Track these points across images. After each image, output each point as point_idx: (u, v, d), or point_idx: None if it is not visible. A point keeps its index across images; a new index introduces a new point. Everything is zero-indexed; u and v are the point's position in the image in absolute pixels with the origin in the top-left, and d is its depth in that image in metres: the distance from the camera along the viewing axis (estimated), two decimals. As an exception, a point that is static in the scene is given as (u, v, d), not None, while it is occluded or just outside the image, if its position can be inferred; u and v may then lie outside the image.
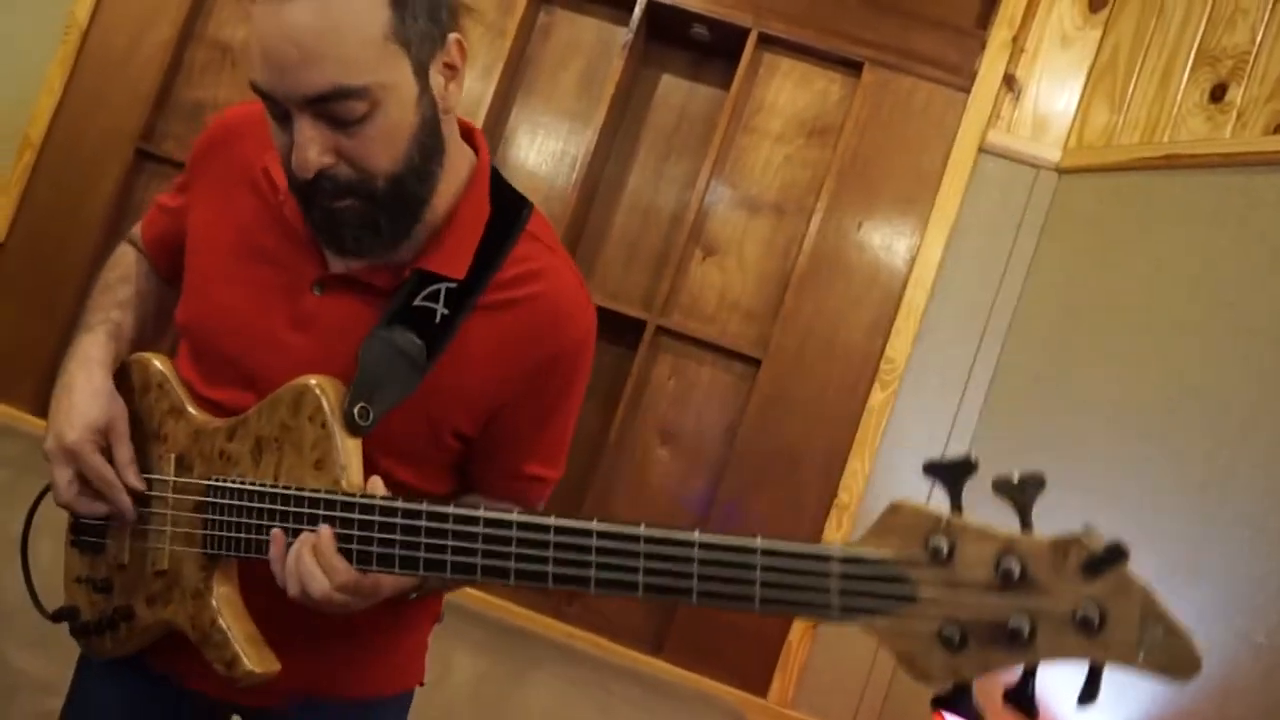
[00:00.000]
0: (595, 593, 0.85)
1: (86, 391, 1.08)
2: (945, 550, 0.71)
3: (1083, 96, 2.19)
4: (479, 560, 0.89)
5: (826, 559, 0.74)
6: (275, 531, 0.98)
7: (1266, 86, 1.83)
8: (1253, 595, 1.58)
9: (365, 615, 1.09)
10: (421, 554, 0.93)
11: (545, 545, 0.86)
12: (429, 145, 0.99)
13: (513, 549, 0.88)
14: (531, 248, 1.08)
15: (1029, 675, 0.70)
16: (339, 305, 1.04)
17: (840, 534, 2.17)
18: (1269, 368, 1.67)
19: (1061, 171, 2.16)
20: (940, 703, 0.73)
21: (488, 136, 2.35)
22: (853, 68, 2.31)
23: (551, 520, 0.87)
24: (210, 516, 1.05)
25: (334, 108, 0.91)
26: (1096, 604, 0.66)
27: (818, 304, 2.24)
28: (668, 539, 0.81)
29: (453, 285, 1.03)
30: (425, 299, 1.02)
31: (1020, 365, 2.12)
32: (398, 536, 0.94)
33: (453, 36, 0.98)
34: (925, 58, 2.26)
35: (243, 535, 1.03)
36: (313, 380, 1.02)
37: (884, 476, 2.18)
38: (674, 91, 2.49)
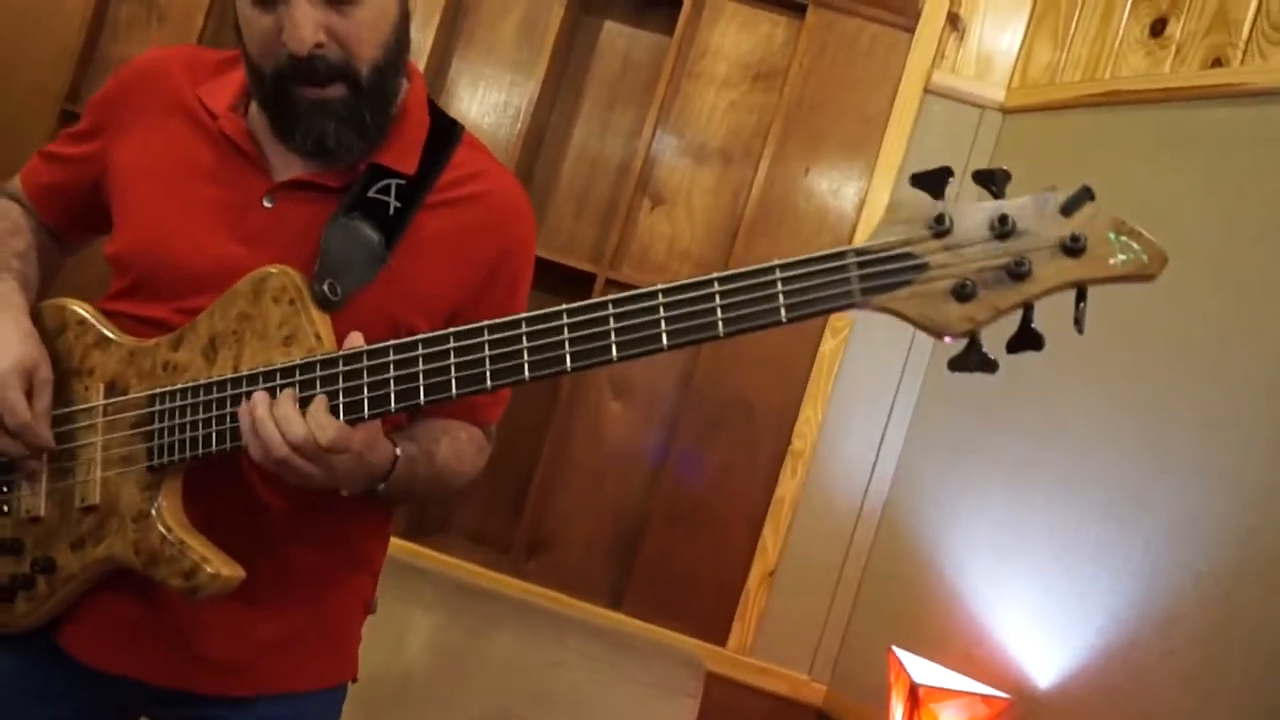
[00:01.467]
0: (618, 358, 0.86)
1: (15, 334, 1.05)
2: (946, 223, 0.80)
3: (1026, 35, 2.18)
4: (487, 367, 0.90)
5: (842, 255, 0.81)
6: (257, 395, 0.94)
7: (1205, 20, 1.83)
8: (1196, 527, 1.60)
9: (294, 598, 1.08)
10: (420, 382, 0.92)
11: (559, 330, 0.88)
12: (403, 42, 1.06)
13: (524, 344, 0.89)
14: (471, 154, 1.15)
15: (1028, 310, 0.80)
16: (291, 211, 1.05)
17: (795, 481, 2.17)
18: (1209, 300, 1.68)
19: (1006, 111, 2.15)
20: (959, 366, 0.81)
21: (428, 88, 2.30)
22: (797, 10, 2.28)
23: (563, 307, 0.88)
24: (156, 426, 1.02)
25: None
26: (1077, 232, 0.78)
27: (767, 251, 2.22)
28: (686, 285, 0.84)
29: (402, 181, 1.07)
30: (378, 192, 1.06)
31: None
32: (391, 374, 0.93)
33: None
34: (869, -1, 2.23)
35: (197, 433, 1.00)
36: (272, 268, 1.01)
37: (837, 422, 2.18)
38: (617, 39, 2.44)
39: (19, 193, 1.21)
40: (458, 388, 0.91)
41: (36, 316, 1.11)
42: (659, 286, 0.85)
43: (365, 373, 0.94)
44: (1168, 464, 1.67)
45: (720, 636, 2.19)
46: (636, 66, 2.42)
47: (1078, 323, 0.79)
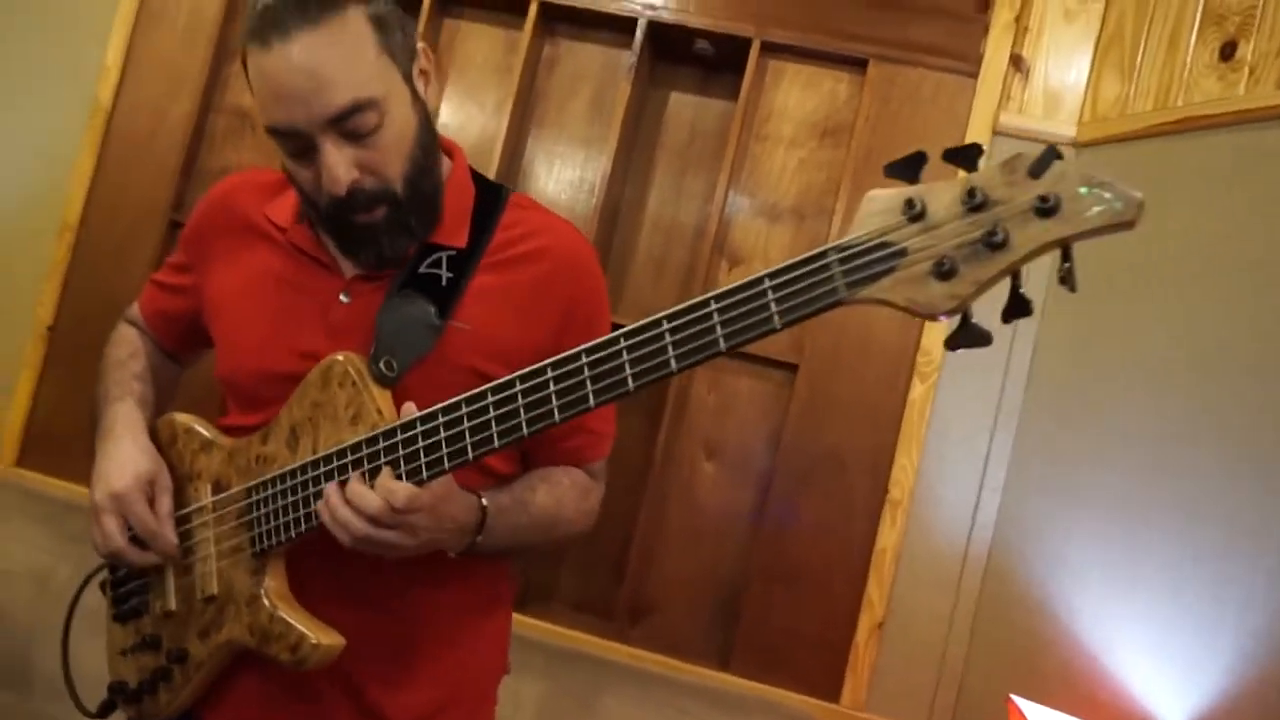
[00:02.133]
0: (633, 387, 0.90)
1: (134, 449, 1.17)
2: (919, 208, 0.80)
3: (1092, 69, 2.18)
4: (554, 404, 0.94)
5: (824, 255, 0.83)
6: (329, 486, 1.01)
7: (1276, 40, 1.81)
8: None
9: (428, 667, 1.13)
10: (493, 429, 0.96)
11: (579, 371, 0.93)
12: (428, 144, 1.12)
13: (550, 389, 0.94)
14: (520, 213, 1.20)
15: (1015, 278, 0.80)
16: (365, 302, 1.13)
17: (896, 531, 2.16)
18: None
19: (1078, 146, 2.15)
20: (954, 344, 0.81)
21: (505, 172, 2.41)
22: (858, 65, 2.32)
23: (583, 348, 0.93)
24: (255, 515, 1.10)
25: (352, 122, 1.03)
26: (1048, 192, 0.76)
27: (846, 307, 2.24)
28: (686, 309, 0.88)
29: (453, 253, 1.14)
30: (430, 266, 1.13)
31: (1057, 342, 2.11)
32: (461, 427, 0.98)
33: (420, 45, 1.13)
34: (929, 47, 2.26)
35: (289, 516, 1.07)
36: (337, 355, 1.09)
37: (933, 468, 2.17)
38: (684, 108, 2.51)
39: (138, 318, 1.36)
40: (499, 439, 0.96)
41: (153, 432, 1.24)
42: (662, 314, 0.89)
43: (420, 437, 1.00)
44: (1272, 484, 1.62)
45: (832, 693, 2.17)
46: (704, 133, 2.48)
47: (1063, 280, 0.79)
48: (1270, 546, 1.62)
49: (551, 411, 0.94)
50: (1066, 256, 0.79)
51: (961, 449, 2.17)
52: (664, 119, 2.52)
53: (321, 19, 1.00)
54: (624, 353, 0.90)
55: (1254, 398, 1.70)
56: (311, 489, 1.05)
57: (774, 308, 0.84)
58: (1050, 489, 2.03)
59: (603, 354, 0.92)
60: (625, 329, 0.91)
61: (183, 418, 1.23)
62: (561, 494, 1.20)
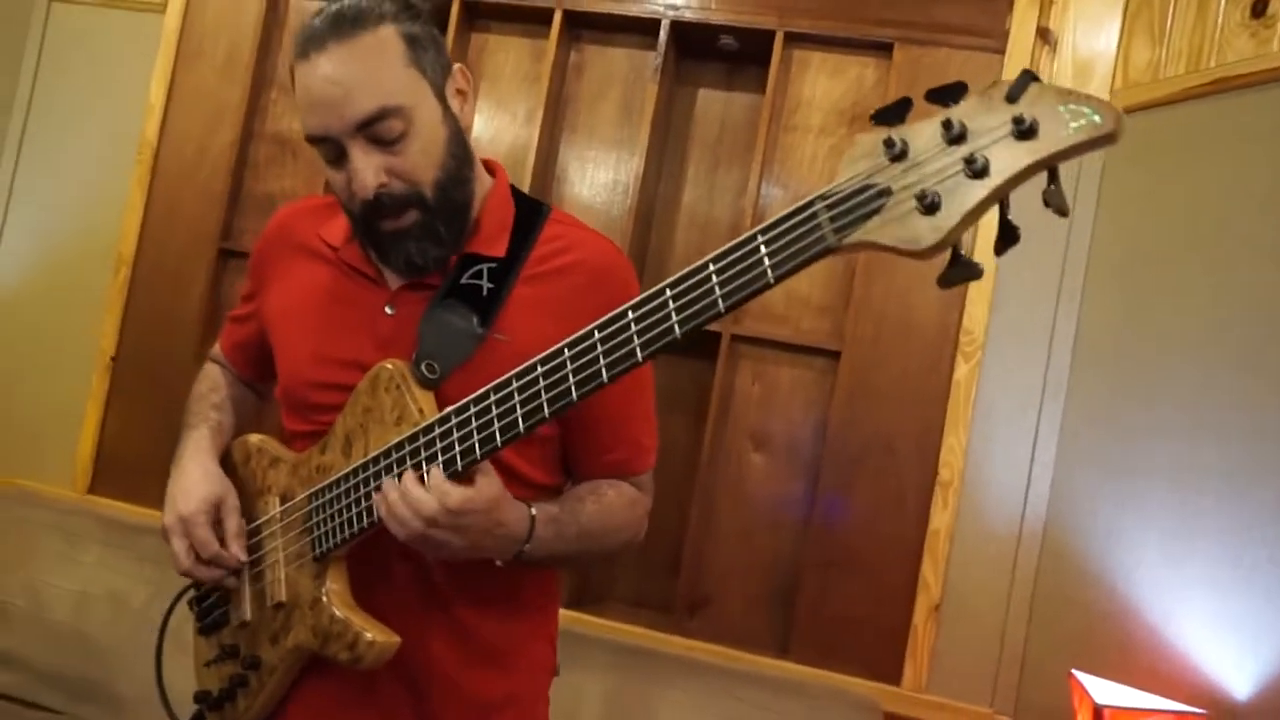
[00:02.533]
0: (641, 357, 0.92)
1: (198, 474, 1.23)
2: (900, 147, 0.79)
3: (1121, 35, 2.16)
4: (571, 381, 0.96)
5: (810, 205, 0.83)
6: (385, 482, 1.06)
7: (1308, -7, 1.78)
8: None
9: (481, 671, 1.18)
10: (543, 396, 0.98)
11: (593, 348, 0.95)
12: (460, 155, 1.16)
13: (598, 351, 0.95)
14: (560, 228, 1.23)
15: (1002, 206, 0.78)
16: (409, 312, 1.17)
17: (948, 512, 2.16)
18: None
19: (1112, 114, 2.12)
20: (945, 280, 0.81)
21: (539, 178, 2.44)
22: (883, 50, 2.32)
23: (595, 324, 0.96)
24: (315, 521, 1.15)
25: (378, 129, 1.08)
26: (1025, 114, 0.74)
27: (887, 287, 2.25)
28: (686, 274, 0.89)
29: (494, 264, 1.17)
30: (471, 277, 1.16)
31: (1102, 315, 2.09)
32: (473, 425, 1.01)
33: (457, 66, 1.17)
34: (953, 27, 2.25)
35: (345, 517, 1.12)
36: (385, 362, 1.14)
37: (982, 448, 2.17)
38: (712, 103, 2.53)
39: (218, 354, 1.44)
40: (550, 408, 0.98)
41: (228, 454, 1.31)
42: (666, 283, 0.91)
43: (456, 428, 1.03)
44: (1339, 451, 1.60)
45: (893, 676, 2.17)
46: (734, 127, 2.50)
47: (1048, 203, 0.77)
48: (1328, 508, 1.59)
49: (569, 390, 0.97)
50: (1052, 177, 0.77)
51: (1010, 426, 2.16)
52: (693, 116, 2.54)
53: (354, 34, 1.08)
54: (632, 325, 0.93)
55: (1304, 358, 1.68)
56: (363, 490, 1.10)
57: (767, 262, 0.85)
58: (1102, 461, 2.02)
59: (613, 328, 0.94)
60: (631, 302, 0.93)
61: (255, 438, 1.30)
62: (608, 504, 1.22)
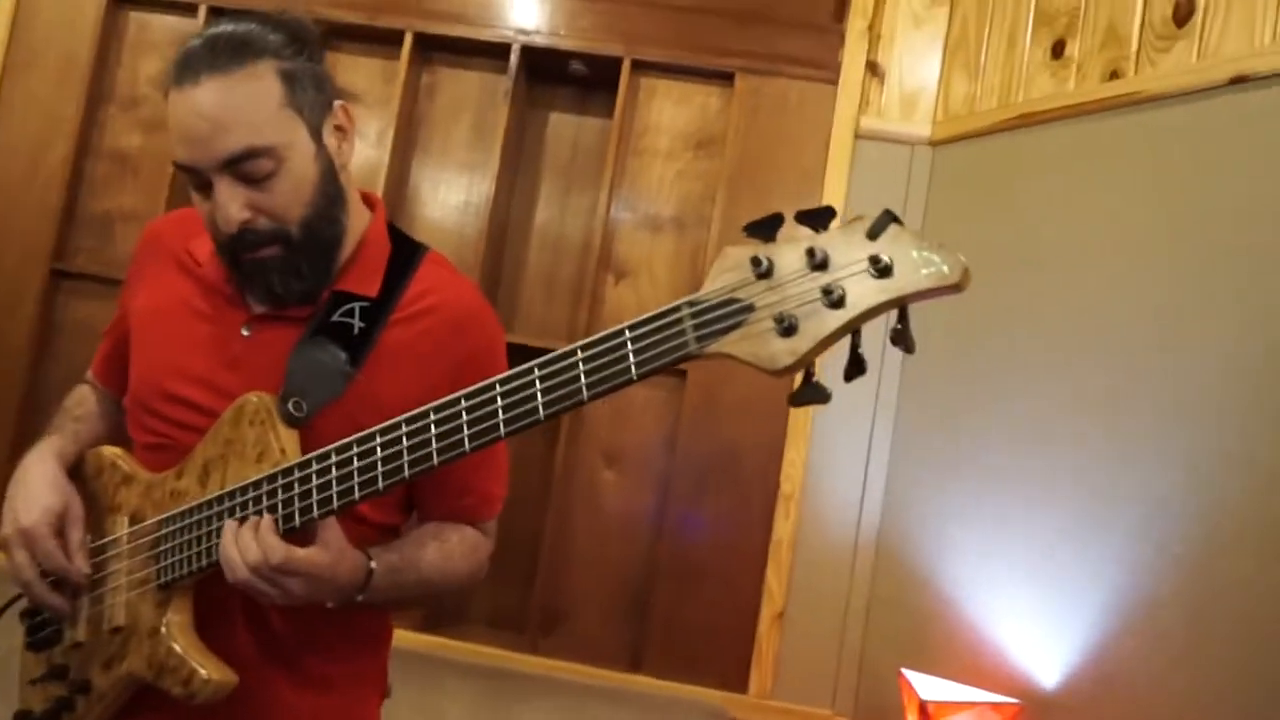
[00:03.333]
0: (504, 433, 0.95)
1: (42, 483, 1.19)
2: (766, 266, 0.84)
3: (942, 71, 2.31)
4: (433, 447, 0.98)
5: (677, 309, 0.87)
6: (228, 523, 1.05)
7: (1098, 37, 1.95)
8: (1164, 512, 1.68)
9: (309, 694, 1.17)
10: (404, 457, 0.99)
11: (458, 415, 0.97)
12: (331, 194, 1.15)
13: (463, 420, 0.97)
14: (432, 270, 1.24)
15: (855, 336, 0.83)
16: (266, 338, 1.17)
17: (790, 522, 2.25)
18: (1147, 300, 1.78)
19: (934, 144, 2.27)
20: (795, 400, 0.86)
21: (390, 199, 2.44)
22: (725, 79, 2.41)
23: (462, 393, 0.97)
24: (163, 548, 1.13)
25: (246, 167, 1.07)
26: (882, 254, 0.79)
27: (731, 307, 2.33)
28: (554, 358, 0.92)
29: (366, 304, 1.17)
30: (342, 315, 1.16)
31: (928, 333, 2.21)
32: (352, 467, 1.02)
33: (338, 103, 1.17)
34: (791, 58, 2.37)
35: (193, 550, 1.10)
36: (251, 395, 1.12)
37: (821, 460, 2.26)
38: (564, 127, 2.58)
39: (89, 376, 1.40)
40: (382, 481, 1.00)
41: (81, 463, 1.26)
42: (535, 363, 0.93)
43: (315, 476, 1.03)
44: (1132, 454, 1.75)
45: (740, 684, 2.24)
46: (585, 150, 2.55)
47: (895, 341, 0.82)
48: (1123, 507, 1.74)
49: (431, 455, 0.98)
50: (902, 317, 0.82)
51: (846, 439, 2.26)
52: (545, 138, 2.58)
53: (230, 68, 1.06)
54: (498, 399, 0.94)
55: (1103, 370, 1.83)
56: (214, 525, 1.08)
57: (632, 359, 0.88)
58: (930, 469, 2.14)
59: (480, 399, 0.96)
60: (500, 376, 0.95)
61: (109, 451, 1.26)
62: (450, 551, 1.23)
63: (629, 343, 0.88)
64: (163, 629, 1.12)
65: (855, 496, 2.25)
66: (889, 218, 0.80)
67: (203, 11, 2.47)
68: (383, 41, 2.51)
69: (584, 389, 0.90)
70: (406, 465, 0.99)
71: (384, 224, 1.26)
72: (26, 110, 2.50)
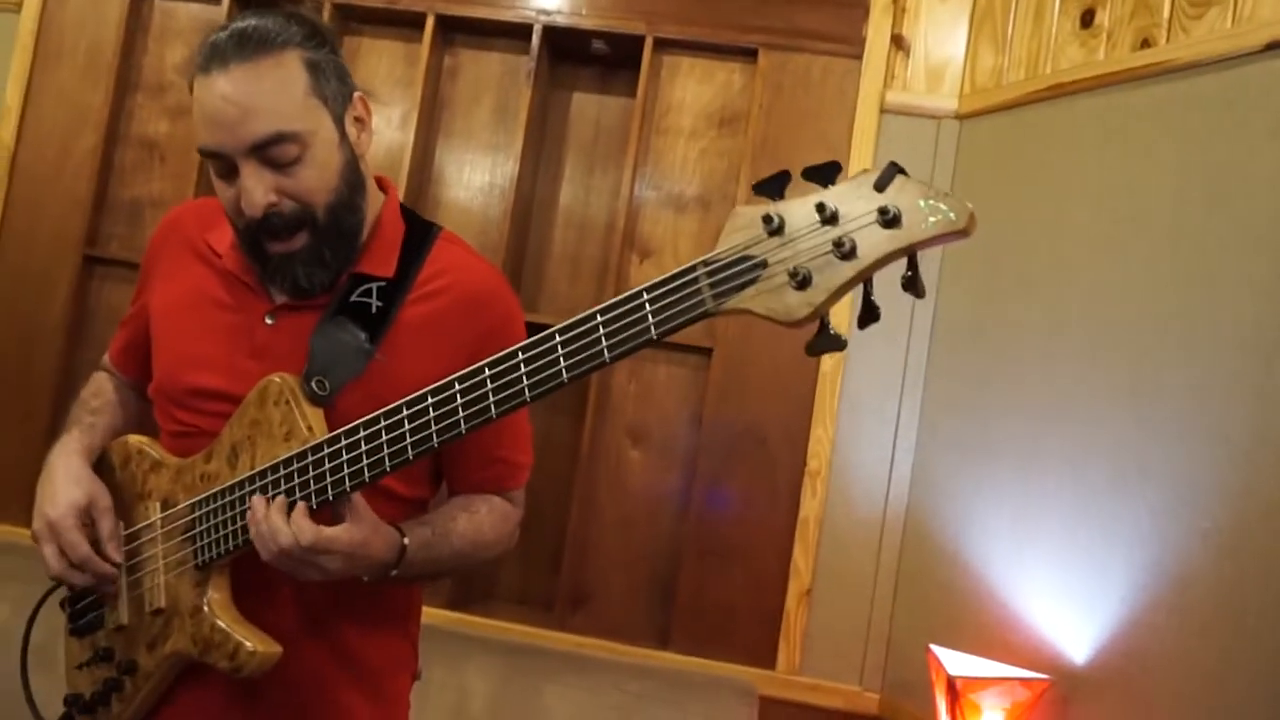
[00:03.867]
0: (530, 398, 0.97)
1: (67, 477, 1.22)
2: (777, 222, 0.86)
3: (968, 43, 2.28)
4: (460, 415, 1.00)
5: (693, 270, 0.89)
6: (254, 499, 1.08)
7: (1128, 6, 1.92)
8: (1194, 488, 1.66)
9: (342, 674, 1.20)
10: (433, 427, 1.02)
11: (483, 384, 0.99)
12: (353, 181, 1.18)
13: (488, 387, 0.99)
14: (447, 249, 1.26)
15: (867, 285, 0.86)
16: (289, 325, 1.19)
17: (817, 500, 2.25)
18: (1178, 273, 1.75)
19: (961, 118, 2.24)
20: (812, 349, 0.88)
21: (414, 181, 2.45)
22: (748, 55, 2.40)
23: (485, 362, 0.99)
24: (198, 530, 1.16)
25: (272, 151, 1.10)
26: (890, 205, 0.82)
27: (756, 285, 2.32)
28: (575, 323, 0.94)
29: (383, 284, 1.20)
30: (360, 296, 1.19)
31: (956, 309, 2.20)
32: (381, 440, 1.04)
33: (357, 94, 1.20)
34: (815, 33, 2.34)
35: (228, 530, 1.13)
36: (274, 376, 1.15)
37: (848, 438, 2.26)
38: (587, 106, 2.58)
39: (106, 362, 1.43)
40: (412, 451, 1.03)
41: (104, 455, 1.29)
42: (556, 329, 0.95)
43: (345, 449, 1.06)
44: (1160, 431, 1.73)
45: (768, 660, 2.25)
46: (608, 130, 2.55)
47: (906, 287, 0.84)
48: (1152, 484, 1.72)
49: (458, 423, 1.00)
50: (911, 264, 0.84)
51: (873, 416, 2.26)
52: (568, 119, 2.58)
53: (257, 56, 1.09)
54: (521, 365, 0.96)
55: (1133, 345, 1.81)
56: (246, 504, 1.11)
57: (651, 319, 0.90)
58: (958, 447, 2.13)
59: (503, 367, 0.98)
60: (522, 344, 0.97)
61: (135, 440, 1.28)
62: (480, 522, 1.25)
63: (647, 304, 0.90)
64: (205, 607, 1.15)
65: (882, 473, 2.24)
66: (894, 169, 0.82)
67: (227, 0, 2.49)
68: (405, 24, 2.52)
69: (605, 350, 0.92)
70: (435, 434, 1.01)
71: (397, 205, 1.28)
72: (56, 100, 2.53)
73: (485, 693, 2.18)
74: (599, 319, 0.93)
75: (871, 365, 2.26)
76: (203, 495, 1.16)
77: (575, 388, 2.41)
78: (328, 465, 1.06)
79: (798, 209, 0.86)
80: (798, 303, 0.85)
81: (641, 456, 2.40)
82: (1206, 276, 1.70)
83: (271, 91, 1.09)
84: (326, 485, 1.06)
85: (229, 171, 1.12)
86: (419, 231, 1.26)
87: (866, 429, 2.26)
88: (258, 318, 1.20)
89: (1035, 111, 2.08)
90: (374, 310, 1.18)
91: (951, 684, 1.78)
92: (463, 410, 1.00)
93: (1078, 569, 1.82)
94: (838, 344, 0.87)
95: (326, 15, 2.47)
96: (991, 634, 1.95)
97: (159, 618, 1.19)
